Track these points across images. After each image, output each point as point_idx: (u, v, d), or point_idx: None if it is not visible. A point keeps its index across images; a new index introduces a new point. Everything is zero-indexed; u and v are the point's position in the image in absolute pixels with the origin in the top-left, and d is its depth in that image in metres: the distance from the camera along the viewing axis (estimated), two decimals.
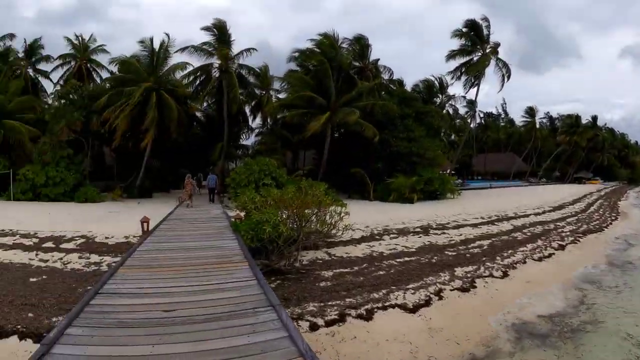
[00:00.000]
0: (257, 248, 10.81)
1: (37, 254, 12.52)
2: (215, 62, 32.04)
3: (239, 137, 41.41)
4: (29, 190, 26.56)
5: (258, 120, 42.81)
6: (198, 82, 33.01)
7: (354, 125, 28.10)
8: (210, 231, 13.16)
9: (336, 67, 29.96)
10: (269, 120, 40.71)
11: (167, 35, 29.96)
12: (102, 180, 32.21)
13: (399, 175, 29.31)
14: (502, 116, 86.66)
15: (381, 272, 11.60)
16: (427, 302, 9.51)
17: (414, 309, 9.10)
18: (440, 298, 9.88)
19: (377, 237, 16.11)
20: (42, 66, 41.31)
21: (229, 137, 34.43)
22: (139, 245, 10.48)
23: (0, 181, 27.80)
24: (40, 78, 41.53)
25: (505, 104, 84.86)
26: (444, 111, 48.56)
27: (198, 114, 38.82)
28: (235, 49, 32.28)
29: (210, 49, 31.09)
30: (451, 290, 10.48)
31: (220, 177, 29.94)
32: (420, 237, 16.62)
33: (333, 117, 28.71)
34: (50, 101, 37.56)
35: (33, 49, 40.04)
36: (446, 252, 14.28)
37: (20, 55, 39.26)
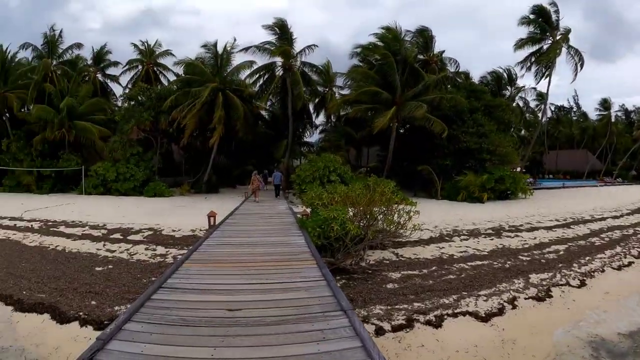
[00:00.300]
0: (322, 245, 10.38)
1: (104, 245, 12.96)
2: (278, 60, 32.23)
3: (303, 135, 41.54)
4: (100, 185, 28.49)
5: (321, 117, 42.78)
6: (262, 80, 33.47)
7: (421, 120, 26.84)
8: (276, 227, 12.90)
9: (401, 60, 28.82)
10: (332, 117, 40.41)
11: (234, 38, 31.14)
12: (171, 176, 33.79)
13: (468, 173, 27.61)
14: (574, 109, 79.28)
15: (451, 276, 10.85)
16: (500, 311, 8.69)
17: (486, 318, 8.33)
18: (514, 307, 8.99)
19: (446, 238, 15.26)
20: (111, 71, 43.96)
21: (294, 134, 34.63)
22: (205, 239, 10.38)
23: (73, 177, 29.80)
24: (109, 82, 44.18)
25: (577, 96, 77.07)
26: (514, 104, 45.60)
27: (263, 112, 39.47)
28: (297, 47, 32.38)
29: (272, 48, 31.18)
30: (525, 298, 9.52)
31: (285, 174, 30.21)
32: (492, 239, 15.49)
33: (399, 111, 27.63)
34: (119, 103, 39.86)
35: (100, 56, 42.61)
36: (520, 257, 13.14)
37: (89, 62, 41.82)
